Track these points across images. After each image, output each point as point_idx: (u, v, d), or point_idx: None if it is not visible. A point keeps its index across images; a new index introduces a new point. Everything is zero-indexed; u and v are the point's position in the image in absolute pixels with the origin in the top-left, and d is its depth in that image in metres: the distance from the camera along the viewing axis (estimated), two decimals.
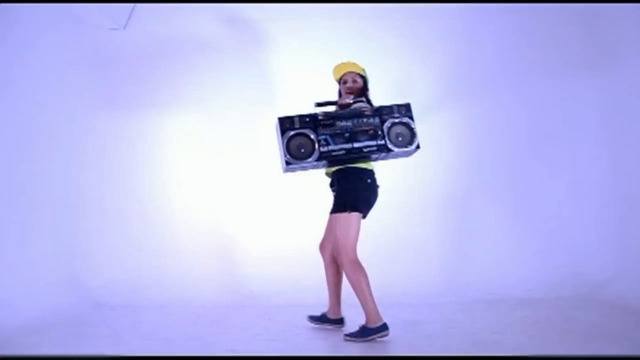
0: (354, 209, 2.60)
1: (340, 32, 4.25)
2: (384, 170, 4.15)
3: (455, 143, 4.23)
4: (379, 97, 2.97)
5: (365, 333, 2.59)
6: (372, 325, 2.58)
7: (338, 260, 2.69)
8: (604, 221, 4.00)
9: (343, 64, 2.92)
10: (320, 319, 2.99)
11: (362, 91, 2.86)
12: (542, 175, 4.17)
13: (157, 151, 4.25)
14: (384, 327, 2.58)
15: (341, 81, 2.91)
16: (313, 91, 3.69)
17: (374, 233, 4.09)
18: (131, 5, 4.22)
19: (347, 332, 2.67)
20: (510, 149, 4.22)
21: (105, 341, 2.74)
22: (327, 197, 3.79)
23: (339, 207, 2.64)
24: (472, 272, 3.93)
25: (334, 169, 2.72)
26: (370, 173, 2.70)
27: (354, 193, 2.62)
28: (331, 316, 2.95)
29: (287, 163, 2.57)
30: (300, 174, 2.90)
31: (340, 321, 2.93)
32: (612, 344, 2.47)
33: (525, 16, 4.25)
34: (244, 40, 4.29)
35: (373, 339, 2.57)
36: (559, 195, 4.14)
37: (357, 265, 2.62)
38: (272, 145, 3.75)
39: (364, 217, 2.71)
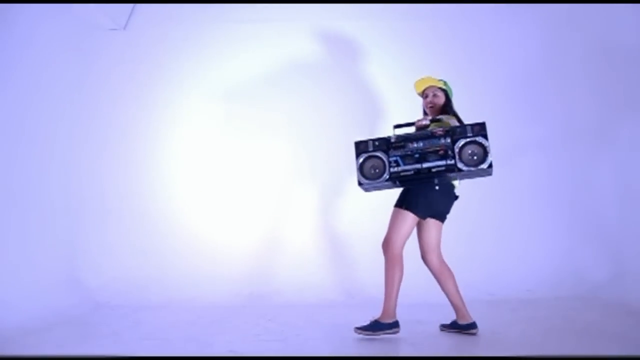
0: (408, 208, 2.67)
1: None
2: None
3: None
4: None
5: (376, 327, 2.65)
6: (386, 320, 2.66)
7: (383, 250, 2.72)
8: (604, 221, 4.00)
9: (422, 79, 2.91)
10: (452, 327, 2.83)
11: (444, 106, 2.88)
12: (542, 176, 4.17)
13: (157, 151, 4.25)
14: (396, 324, 2.67)
15: (423, 95, 2.94)
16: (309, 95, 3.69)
17: (374, 234, 4.12)
18: (131, 5, 4.22)
19: (358, 325, 2.68)
20: (510, 148, 4.22)
21: (105, 341, 2.73)
22: (329, 200, 3.80)
23: (399, 202, 2.72)
24: (472, 272, 3.93)
25: None
26: (444, 181, 2.71)
27: (416, 194, 2.68)
28: (462, 322, 2.77)
29: (360, 183, 2.70)
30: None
31: (473, 325, 2.73)
32: (612, 344, 2.47)
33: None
34: (243, 41, 4.29)
35: (384, 334, 2.63)
36: (558, 195, 4.14)
37: (398, 261, 2.69)
38: (274, 145, 3.80)
39: (443, 219, 2.80)
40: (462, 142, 2.60)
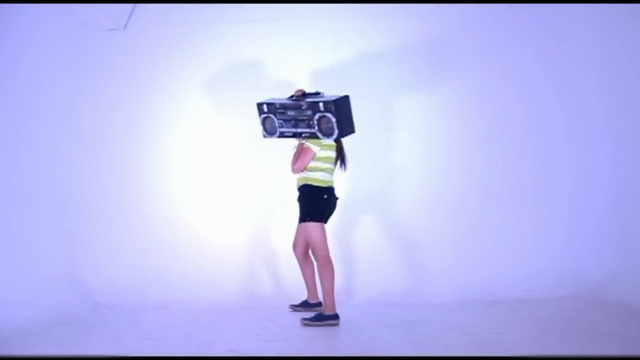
0: (312, 219, 3.15)
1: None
2: (384, 170, 4.18)
3: (454, 144, 4.23)
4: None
5: (321, 318, 3.03)
6: (329, 312, 3.05)
7: (314, 257, 3.21)
8: (604, 221, 4.00)
9: None
10: (303, 305, 3.43)
11: None
12: (542, 176, 4.17)
13: (158, 152, 4.24)
14: (336, 317, 3.05)
15: None
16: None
17: (374, 234, 4.12)
18: (131, 5, 4.21)
19: (305, 317, 3.08)
20: (511, 150, 4.22)
21: (105, 341, 2.73)
22: None
23: (303, 217, 3.18)
24: (472, 272, 3.93)
25: (301, 183, 3.20)
26: (327, 190, 3.20)
27: (312, 207, 3.16)
28: (311, 301, 3.42)
29: (264, 136, 3.39)
30: None
31: (319, 304, 3.36)
32: (612, 344, 2.47)
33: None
34: (243, 41, 4.29)
35: (326, 324, 2.99)
36: (559, 195, 4.14)
37: (328, 262, 3.13)
38: (275, 146, 3.80)
39: (325, 222, 3.22)
40: (318, 115, 3.11)
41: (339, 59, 4.24)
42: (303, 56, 4.21)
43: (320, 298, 3.37)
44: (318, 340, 2.73)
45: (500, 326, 2.92)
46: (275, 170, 4.05)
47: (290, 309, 3.44)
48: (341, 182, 4.03)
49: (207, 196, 4.21)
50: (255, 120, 4.05)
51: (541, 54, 4.24)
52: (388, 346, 2.56)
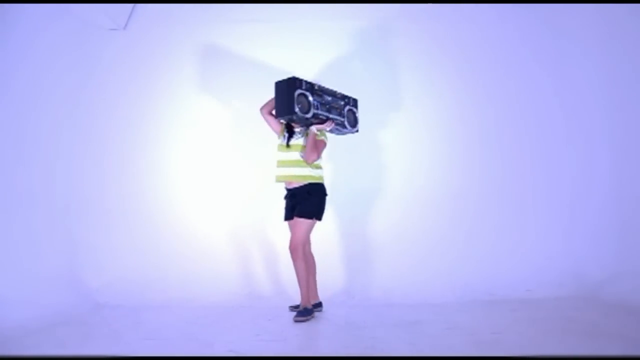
0: (318, 218, 3.25)
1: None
2: (384, 171, 4.18)
3: (454, 144, 4.23)
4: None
5: (307, 312, 3.14)
6: (309, 305, 3.19)
7: (293, 251, 3.20)
8: (604, 221, 4.00)
9: None
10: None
11: None
12: (542, 176, 4.17)
13: (157, 151, 4.25)
14: (320, 304, 3.32)
15: None
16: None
17: (374, 234, 4.12)
18: (131, 5, 4.22)
19: (295, 316, 3.11)
20: (511, 150, 4.22)
21: (105, 341, 2.73)
22: (328, 201, 3.80)
23: (309, 214, 3.22)
24: (472, 272, 3.93)
25: (308, 181, 3.24)
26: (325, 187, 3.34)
27: (321, 207, 3.28)
28: (311, 301, 3.34)
29: (295, 112, 3.15)
30: None
31: (319, 305, 3.40)
32: (612, 344, 2.47)
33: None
34: (243, 41, 4.29)
35: (315, 312, 3.21)
36: (559, 195, 4.15)
37: (305, 257, 3.24)
38: (276, 146, 3.81)
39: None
40: (347, 107, 3.50)
41: (339, 58, 4.25)
42: (303, 56, 4.22)
43: (320, 298, 3.40)
44: (318, 340, 2.72)
45: (500, 326, 2.91)
46: (275, 170, 4.05)
47: (290, 310, 3.44)
48: (342, 182, 4.05)
49: (207, 196, 4.21)
50: (256, 120, 4.08)
51: (541, 54, 4.25)
52: (388, 346, 2.55)
